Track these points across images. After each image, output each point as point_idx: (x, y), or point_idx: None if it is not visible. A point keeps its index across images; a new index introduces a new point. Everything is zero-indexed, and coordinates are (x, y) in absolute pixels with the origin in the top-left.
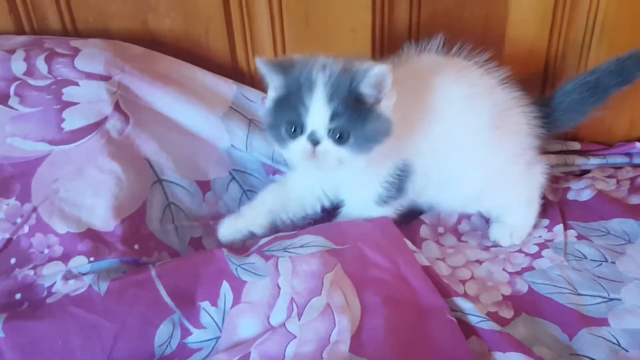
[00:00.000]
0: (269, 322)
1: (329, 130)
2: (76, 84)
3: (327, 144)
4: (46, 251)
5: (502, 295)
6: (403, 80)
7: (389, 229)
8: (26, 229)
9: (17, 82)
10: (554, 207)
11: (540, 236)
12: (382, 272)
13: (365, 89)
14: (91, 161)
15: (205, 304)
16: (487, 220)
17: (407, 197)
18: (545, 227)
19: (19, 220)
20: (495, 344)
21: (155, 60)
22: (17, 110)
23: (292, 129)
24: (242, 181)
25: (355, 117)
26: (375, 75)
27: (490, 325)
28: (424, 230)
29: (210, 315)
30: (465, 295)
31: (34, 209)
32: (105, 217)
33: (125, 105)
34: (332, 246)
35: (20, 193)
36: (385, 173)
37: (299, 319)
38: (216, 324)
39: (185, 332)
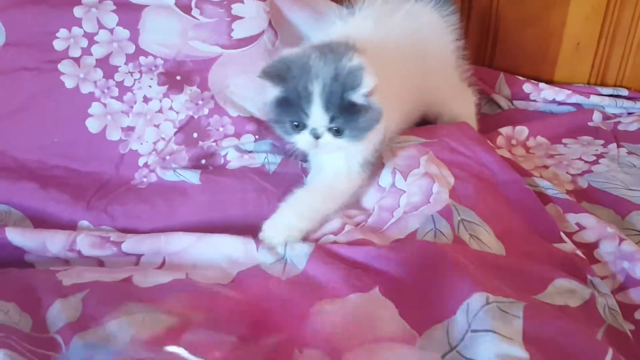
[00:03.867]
0: (379, 184)
1: (328, 128)
2: (242, 2)
3: (327, 137)
4: (221, 129)
5: (566, 190)
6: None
7: (469, 130)
8: (206, 110)
9: None
10: (608, 133)
11: (596, 150)
12: (465, 158)
13: (357, 98)
14: (253, 64)
15: None
16: (550, 139)
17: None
18: (601, 144)
19: (200, 102)
20: (569, 208)
21: None
22: (197, 19)
23: (296, 126)
24: None
25: (350, 117)
26: (365, 88)
27: (564, 196)
28: (500, 140)
29: None
30: None
31: (212, 97)
32: (263, 109)
33: (274, 22)
34: (424, 140)
35: (199, 83)
36: (377, 140)
37: (405, 180)
38: None
39: None
